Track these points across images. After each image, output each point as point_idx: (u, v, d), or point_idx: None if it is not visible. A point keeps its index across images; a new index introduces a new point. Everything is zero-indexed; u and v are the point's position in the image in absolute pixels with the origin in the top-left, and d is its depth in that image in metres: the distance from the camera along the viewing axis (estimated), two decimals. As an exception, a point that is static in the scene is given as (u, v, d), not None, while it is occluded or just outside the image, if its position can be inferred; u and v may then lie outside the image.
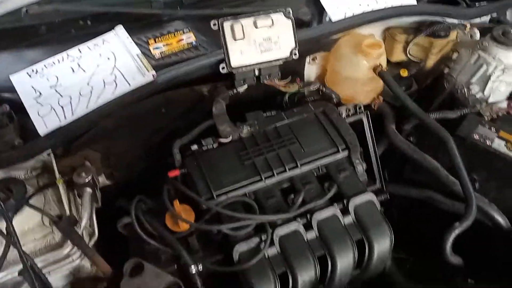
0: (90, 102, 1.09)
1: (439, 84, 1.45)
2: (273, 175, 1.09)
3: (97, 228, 0.99)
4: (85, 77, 1.12)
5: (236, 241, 0.99)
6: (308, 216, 1.04)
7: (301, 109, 1.24)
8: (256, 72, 1.17)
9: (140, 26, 1.28)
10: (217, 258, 1.02)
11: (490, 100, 1.37)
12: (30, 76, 1.11)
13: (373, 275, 1.11)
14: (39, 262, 0.91)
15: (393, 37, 1.45)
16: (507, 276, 1.13)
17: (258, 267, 0.97)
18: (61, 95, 1.09)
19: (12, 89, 1.09)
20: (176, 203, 0.99)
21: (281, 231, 1.01)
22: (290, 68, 1.28)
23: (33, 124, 1.05)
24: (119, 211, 1.07)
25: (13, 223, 0.93)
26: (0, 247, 0.90)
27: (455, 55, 1.43)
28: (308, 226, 1.04)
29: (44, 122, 1.06)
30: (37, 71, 1.12)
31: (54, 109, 1.07)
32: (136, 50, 1.16)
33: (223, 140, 1.14)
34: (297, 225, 1.03)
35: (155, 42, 1.20)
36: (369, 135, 1.28)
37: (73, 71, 1.13)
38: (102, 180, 1.13)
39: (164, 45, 1.20)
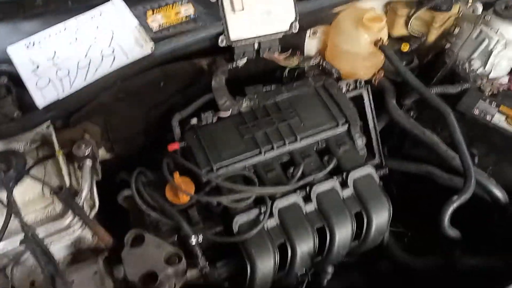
0: (88, 74, 1.08)
1: (440, 60, 1.44)
2: (273, 148, 1.09)
3: (97, 200, 0.99)
4: (82, 49, 1.11)
5: (236, 213, 1.00)
6: (308, 188, 1.05)
7: (301, 83, 1.23)
8: (256, 46, 1.16)
9: None
10: (217, 230, 1.03)
11: (491, 75, 1.36)
12: (27, 47, 1.09)
13: (371, 247, 1.13)
14: (40, 232, 0.91)
15: (394, 11, 1.43)
16: (505, 250, 1.14)
17: (257, 238, 0.98)
18: (59, 68, 1.08)
19: (9, 61, 1.08)
20: (176, 174, 1.00)
21: (280, 203, 1.02)
22: (291, 42, 1.27)
23: (31, 97, 1.05)
24: (119, 186, 1.07)
25: (14, 194, 0.93)
26: (1, 219, 0.91)
27: (456, 30, 1.41)
28: (307, 199, 1.05)
29: (42, 95, 1.05)
30: (34, 43, 1.10)
31: (52, 82, 1.06)
32: (134, 22, 1.15)
33: (222, 114, 1.14)
34: (296, 198, 1.03)
35: (153, 13, 1.18)
36: (370, 110, 1.28)
37: (70, 43, 1.12)
38: (102, 153, 1.13)
39: (162, 17, 1.18)
